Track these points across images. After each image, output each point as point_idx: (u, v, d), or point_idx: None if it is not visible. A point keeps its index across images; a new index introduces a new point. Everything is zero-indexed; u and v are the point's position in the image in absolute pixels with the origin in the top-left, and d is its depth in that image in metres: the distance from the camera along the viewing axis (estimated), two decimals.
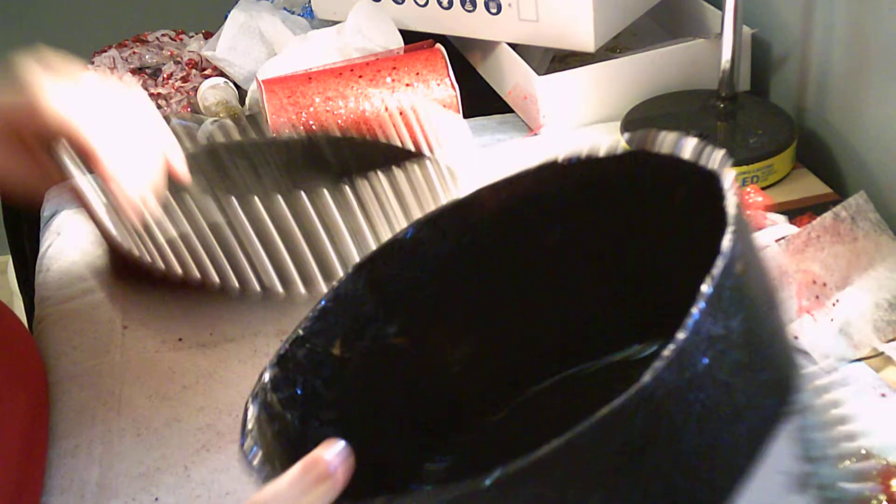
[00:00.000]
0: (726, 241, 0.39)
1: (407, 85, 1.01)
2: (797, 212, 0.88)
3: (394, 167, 0.62)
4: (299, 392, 0.46)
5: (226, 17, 1.22)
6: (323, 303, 0.50)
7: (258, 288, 0.60)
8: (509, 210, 0.54)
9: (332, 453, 0.41)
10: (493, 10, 1.10)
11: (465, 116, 1.03)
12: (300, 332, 0.49)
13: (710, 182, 0.44)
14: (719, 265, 0.39)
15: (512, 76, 1.11)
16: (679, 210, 0.50)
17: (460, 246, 0.53)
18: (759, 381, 0.39)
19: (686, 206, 0.49)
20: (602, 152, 0.51)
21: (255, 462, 0.42)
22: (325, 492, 0.41)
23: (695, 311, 0.37)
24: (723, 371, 0.38)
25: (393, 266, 0.52)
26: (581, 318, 0.56)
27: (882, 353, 0.74)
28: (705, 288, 0.38)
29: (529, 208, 0.54)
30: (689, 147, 0.47)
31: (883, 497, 0.57)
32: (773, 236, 0.81)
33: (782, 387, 0.40)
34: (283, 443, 0.44)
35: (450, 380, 0.53)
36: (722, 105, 1.00)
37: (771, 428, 0.39)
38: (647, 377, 0.35)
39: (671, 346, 0.36)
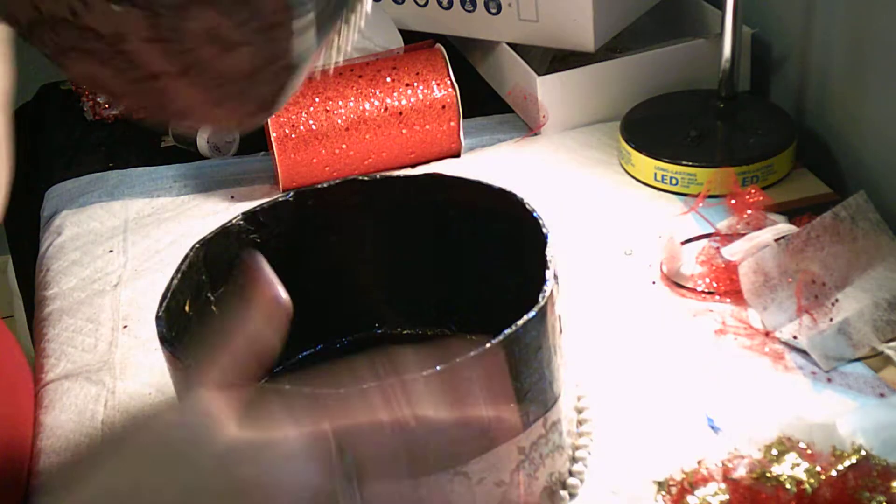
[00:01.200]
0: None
1: (407, 85, 1.01)
2: (797, 212, 0.88)
3: None
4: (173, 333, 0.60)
5: None
6: (180, 269, 0.63)
7: None
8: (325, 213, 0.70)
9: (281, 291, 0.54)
10: (493, 10, 1.10)
11: (465, 116, 1.03)
12: (171, 289, 0.62)
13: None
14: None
15: (512, 76, 1.11)
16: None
17: (272, 234, 0.69)
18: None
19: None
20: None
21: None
22: (283, 317, 0.53)
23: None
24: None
25: (221, 246, 0.67)
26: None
27: (881, 353, 0.74)
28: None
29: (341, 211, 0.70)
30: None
31: (883, 498, 0.57)
32: (773, 236, 0.81)
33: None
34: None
35: None
36: (722, 105, 1.00)
37: None
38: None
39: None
